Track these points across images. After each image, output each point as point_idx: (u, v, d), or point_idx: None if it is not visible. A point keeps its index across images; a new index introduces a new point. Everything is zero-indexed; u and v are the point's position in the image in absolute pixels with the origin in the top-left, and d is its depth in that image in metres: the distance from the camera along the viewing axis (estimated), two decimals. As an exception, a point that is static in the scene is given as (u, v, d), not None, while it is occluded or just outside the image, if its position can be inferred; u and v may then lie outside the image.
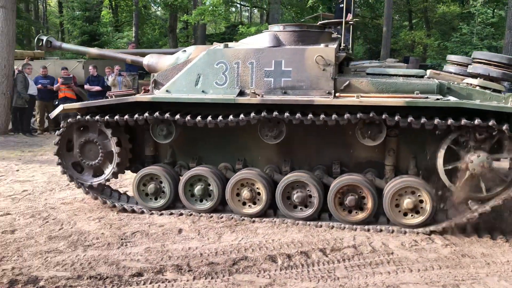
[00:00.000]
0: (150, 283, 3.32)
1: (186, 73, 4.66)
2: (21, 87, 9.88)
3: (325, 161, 4.72)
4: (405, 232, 4.22)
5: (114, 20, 23.49)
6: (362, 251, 3.83)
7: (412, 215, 4.25)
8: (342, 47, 4.72)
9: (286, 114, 4.24)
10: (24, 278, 3.36)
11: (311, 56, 4.35)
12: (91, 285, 3.29)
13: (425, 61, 21.11)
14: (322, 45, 4.42)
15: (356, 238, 4.11)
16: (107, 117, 4.66)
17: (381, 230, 4.27)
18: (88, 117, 4.73)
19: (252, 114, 4.32)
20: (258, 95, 4.37)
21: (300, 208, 4.51)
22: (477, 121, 3.85)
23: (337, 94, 4.30)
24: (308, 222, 4.45)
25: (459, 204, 4.20)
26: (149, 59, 5.55)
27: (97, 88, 10.51)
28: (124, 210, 4.89)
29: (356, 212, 4.39)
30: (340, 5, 10.50)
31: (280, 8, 17.68)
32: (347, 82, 4.37)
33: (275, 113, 4.28)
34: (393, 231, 4.24)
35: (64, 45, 6.34)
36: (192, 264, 3.59)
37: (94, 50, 6.70)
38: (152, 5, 26.42)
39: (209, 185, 4.70)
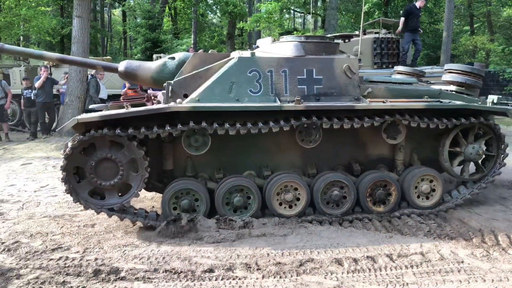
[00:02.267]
0: (222, 279, 3.47)
1: (217, 81, 4.57)
2: (93, 91, 10.54)
3: (343, 161, 5.14)
4: (473, 241, 4.13)
5: (173, 27, 24.42)
6: (430, 258, 3.78)
7: (422, 199, 4.99)
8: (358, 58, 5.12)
9: (335, 119, 4.57)
10: (107, 268, 3.63)
11: (339, 65, 4.73)
12: (166, 278, 3.50)
13: (488, 66, 20.19)
14: (345, 56, 4.83)
15: (423, 245, 4.06)
16: (143, 129, 4.31)
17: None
18: (118, 131, 4.25)
19: (303, 119, 4.52)
20: (301, 103, 4.49)
21: (332, 206, 4.82)
22: (481, 119, 4.90)
23: (368, 100, 4.71)
24: (370, 228, 4.54)
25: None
26: (127, 66, 5.20)
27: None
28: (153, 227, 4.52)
29: (383, 204, 4.90)
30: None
31: (336, 14, 17.60)
32: (369, 89, 4.92)
33: (322, 118, 4.55)
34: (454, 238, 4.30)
35: (7, 46, 5.20)
36: (260, 263, 3.71)
37: (52, 54, 5.63)
38: (209, 13, 27.19)
39: (248, 194, 4.69)
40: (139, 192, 4.51)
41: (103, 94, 10.69)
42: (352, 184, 4.83)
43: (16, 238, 4.33)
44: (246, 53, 4.79)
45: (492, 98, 5.16)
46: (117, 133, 4.23)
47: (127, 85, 10.48)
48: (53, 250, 4.04)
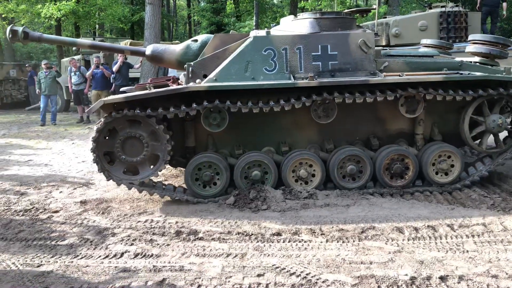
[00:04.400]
0: (289, 241, 3.81)
1: (234, 61, 4.69)
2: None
3: (361, 135, 5.22)
4: (541, 215, 4.13)
5: (236, 10, 24.82)
6: (493, 229, 3.87)
7: (441, 175, 5.01)
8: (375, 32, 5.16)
9: (347, 94, 4.66)
10: (187, 230, 4.10)
11: (354, 41, 4.80)
12: (239, 239, 3.89)
13: None
14: (360, 31, 4.86)
15: (486, 217, 4.13)
16: (160, 109, 4.57)
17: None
18: (138, 111, 4.53)
19: (314, 96, 4.64)
20: (315, 79, 4.57)
21: (348, 180, 4.97)
22: (501, 90, 4.78)
23: (383, 74, 4.74)
24: (432, 200, 4.66)
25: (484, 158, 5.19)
26: (154, 49, 5.41)
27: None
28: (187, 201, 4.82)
29: (401, 178, 4.98)
30: None
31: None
32: (386, 63, 4.95)
33: (333, 93, 4.64)
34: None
35: (45, 36, 5.43)
36: (324, 229, 4.00)
37: (84, 41, 5.96)
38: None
39: (265, 169, 4.88)
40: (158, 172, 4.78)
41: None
42: (369, 158, 4.91)
43: (108, 204, 4.95)
44: (262, 32, 4.93)
45: None
46: (136, 113, 4.53)
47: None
48: (139, 213, 4.60)
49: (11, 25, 5.22)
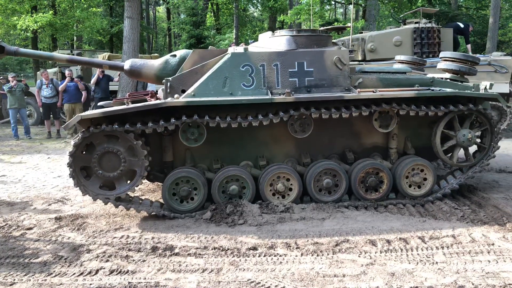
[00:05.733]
0: (264, 256, 3.85)
1: (212, 77, 4.78)
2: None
3: (337, 150, 5.36)
4: (506, 225, 4.28)
5: (216, 23, 25.04)
6: (461, 241, 3.99)
7: (414, 188, 5.15)
8: (349, 49, 5.32)
9: (323, 109, 4.77)
10: (163, 245, 4.10)
11: (329, 57, 4.94)
12: (215, 254, 3.91)
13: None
14: (335, 48, 5.01)
15: (455, 229, 4.26)
16: (139, 124, 4.60)
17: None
18: (116, 126, 4.55)
19: (291, 111, 4.76)
20: (292, 95, 4.70)
21: (324, 193, 5.06)
22: (470, 106, 4.98)
23: (358, 90, 4.86)
24: (405, 213, 4.77)
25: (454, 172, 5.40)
26: (132, 64, 5.46)
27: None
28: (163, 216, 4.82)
29: (375, 191, 5.09)
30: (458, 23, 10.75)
31: (377, 4, 17.44)
32: (360, 80, 5.12)
33: (310, 109, 4.75)
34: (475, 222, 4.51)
35: (22, 50, 5.39)
36: (299, 243, 4.06)
37: (62, 56, 5.91)
38: (251, 7, 27.57)
39: (243, 183, 4.92)
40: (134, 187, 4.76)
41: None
42: (344, 172, 5.02)
43: (83, 219, 4.90)
44: (240, 49, 5.04)
45: (485, 84, 5.19)
46: (115, 128, 4.53)
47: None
48: (115, 229, 4.57)
49: None
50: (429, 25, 10.17)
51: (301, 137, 5.03)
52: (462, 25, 11.23)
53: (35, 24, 16.20)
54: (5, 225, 4.78)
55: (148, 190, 6.14)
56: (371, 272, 3.44)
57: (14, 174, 7.43)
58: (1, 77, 16.01)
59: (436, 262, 3.60)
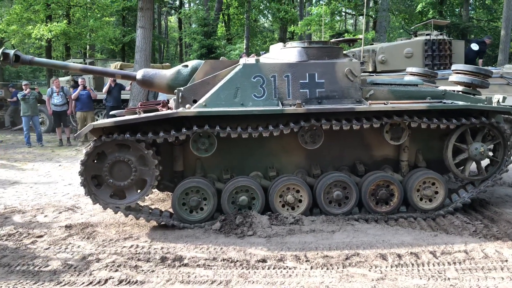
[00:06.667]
0: (273, 268, 3.82)
1: (223, 87, 4.81)
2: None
3: (348, 161, 5.31)
4: (521, 242, 4.21)
5: (227, 33, 25.24)
6: (474, 256, 3.93)
7: (425, 201, 5.08)
8: (361, 61, 5.32)
9: (334, 121, 4.77)
10: (172, 256, 4.09)
11: (341, 69, 4.94)
12: (224, 266, 3.90)
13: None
14: (347, 59, 4.99)
15: (468, 244, 4.20)
16: (150, 134, 4.63)
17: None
18: (128, 135, 4.58)
19: (302, 122, 4.75)
20: (303, 106, 4.70)
21: (334, 205, 5.01)
22: (483, 119, 4.93)
23: (369, 102, 4.82)
24: (416, 227, 4.72)
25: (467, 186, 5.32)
26: (144, 74, 5.50)
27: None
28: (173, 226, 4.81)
29: (386, 204, 5.04)
30: (472, 46, 10.68)
31: (388, 16, 17.45)
32: (371, 91, 5.10)
33: (321, 120, 4.74)
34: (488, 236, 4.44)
35: (36, 59, 5.46)
36: (309, 256, 4.03)
37: (75, 65, 5.99)
38: (262, 18, 27.76)
39: (252, 194, 4.91)
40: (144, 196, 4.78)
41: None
42: (355, 184, 4.98)
43: (93, 228, 4.92)
44: (251, 60, 5.07)
45: (498, 97, 5.15)
46: (126, 137, 4.56)
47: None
48: (125, 238, 4.58)
49: (2, 48, 5.25)
50: (440, 37, 10.15)
51: (312, 149, 5.01)
52: (476, 48, 11.12)
53: (49, 33, 16.45)
54: (16, 232, 4.81)
55: (158, 200, 6.15)
56: None
57: (25, 181, 7.50)
58: (10, 86, 16.24)
59: (448, 278, 3.55)
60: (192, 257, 4.05)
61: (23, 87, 11.57)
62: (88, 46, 23.63)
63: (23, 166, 8.92)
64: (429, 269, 3.72)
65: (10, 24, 17.69)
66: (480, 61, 11.53)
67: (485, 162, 5.35)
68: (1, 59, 5.03)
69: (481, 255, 3.95)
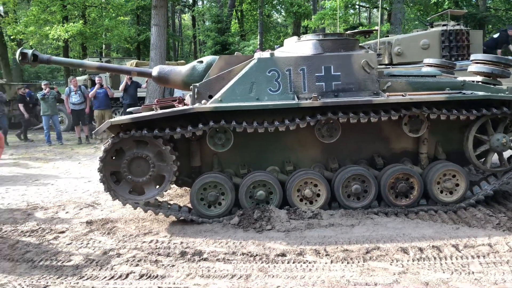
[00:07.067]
0: (293, 262, 3.81)
1: (238, 82, 4.79)
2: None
3: (366, 155, 5.26)
4: (547, 235, 4.11)
5: (240, 29, 25.22)
6: (498, 250, 3.85)
7: (446, 194, 5.00)
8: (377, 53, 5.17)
9: (351, 114, 4.71)
10: (191, 250, 4.11)
11: (357, 61, 4.86)
12: (244, 260, 3.90)
13: None
14: (363, 51, 4.93)
15: (491, 237, 4.11)
16: (167, 130, 4.65)
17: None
18: (145, 131, 4.60)
19: (318, 116, 4.70)
20: (319, 99, 4.63)
21: (353, 199, 4.97)
22: (504, 109, 4.84)
23: (386, 94, 4.77)
24: (437, 220, 4.65)
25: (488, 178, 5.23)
26: (160, 70, 5.52)
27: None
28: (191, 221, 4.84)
29: (406, 197, 4.98)
30: (494, 36, 10.42)
31: (403, 7, 17.19)
32: (389, 83, 5.00)
33: (338, 113, 4.70)
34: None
35: (54, 58, 5.53)
36: (329, 250, 4.00)
37: (92, 63, 6.11)
38: (275, 13, 27.65)
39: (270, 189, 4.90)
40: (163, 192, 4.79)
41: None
42: (373, 177, 4.93)
43: (113, 224, 4.98)
44: (266, 54, 5.02)
45: None
46: (144, 134, 4.59)
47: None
48: (145, 234, 4.62)
49: (21, 48, 5.31)
50: (457, 27, 9.94)
51: (328, 142, 4.97)
52: (496, 35, 10.86)
53: (66, 33, 16.69)
54: (39, 228, 4.90)
55: (176, 195, 6.19)
56: (404, 281, 3.36)
57: (47, 179, 7.63)
58: (24, 87, 16.44)
59: (472, 272, 3.48)
60: (212, 252, 4.06)
61: (43, 86, 11.76)
62: (104, 46, 23.88)
63: (44, 164, 9.08)
64: (452, 263, 3.66)
65: (28, 25, 17.99)
66: (499, 51, 11.28)
67: (507, 153, 5.24)
68: (20, 58, 5.10)
69: (506, 248, 3.87)
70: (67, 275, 3.68)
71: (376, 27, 6.99)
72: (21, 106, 12.42)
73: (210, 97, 4.91)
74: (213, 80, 5.05)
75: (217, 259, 3.91)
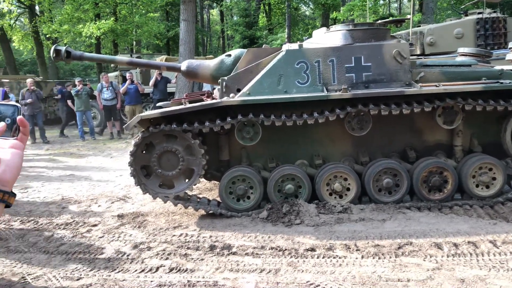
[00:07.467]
0: (323, 257, 3.76)
1: (266, 75, 4.73)
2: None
3: (397, 148, 5.12)
4: None
5: (268, 23, 25.11)
6: (539, 246, 3.68)
7: (482, 188, 4.82)
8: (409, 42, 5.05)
9: (382, 106, 4.57)
10: (220, 244, 4.12)
11: (388, 51, 4.72)
12: (273, 254, 3.88)
13: None
14: (394, 41, 4.77)
15: (532, 233, 3.94)
16: (196, 124, 4.66)
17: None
18: (174, 125, 4.62)
19: (348, 108, 4.58)
20: (349, 91, 4.50)
21: (384, 193, 4.86)
22: None
23: (419, 85, 4.61)
24: (472, 215, 4.51)
25: None
26: (188, 65, 5.52)
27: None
28: (221, 215, 4.86)
29: (439, 191, 4.82)
30: None
31: (436, -4, 16.65)
32: (422, 74, 4.83)
33: (368, 105, 4.57)
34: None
35: (86, 54, 5.67)
36: (359, 245, 3.93)
37: (122, 58, 6.19)
38: (303, 5, 27.35)
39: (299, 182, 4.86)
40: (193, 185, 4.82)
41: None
42: (406, 171, 4.79)
43: (144, 217, 5.06)
44: (294, 46, 4.91)
45: None
46: (173, 127, 4.60)
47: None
48: (174, 227, 4.67)
49: (55, 45, 5.41)
50: (493, 15, 9.54)
51: (359, 135, 4.87)
52: None
53: (98, 30, 17.09)
54: (73, 221, 5.03)
55: (205, 189, 6.23)
56: (438, 278, 3.25)
57: (80, 173, 7.84)
58: (56, 84, 16.94)
59: (511, 269, 3.34)
60: (241, 246, 4.06)
61: (76, 83, 12.08)
62: (134, 42, 24.32)
63: (78, 159, 9.33)
64: (490, 259, 3.52)
65: (62, 24, 18.52)
66: None
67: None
68: (54, 55, 5.23)
69: (547, 245, 3.70)
70: (100, 267, 3.76)
71: (408, 16, 6.79)
72: (69, 102, 12.86)
73: (238, 90, 4.89)
74: (241, 74, 5.03)
75: (246, 253, 3.91)
